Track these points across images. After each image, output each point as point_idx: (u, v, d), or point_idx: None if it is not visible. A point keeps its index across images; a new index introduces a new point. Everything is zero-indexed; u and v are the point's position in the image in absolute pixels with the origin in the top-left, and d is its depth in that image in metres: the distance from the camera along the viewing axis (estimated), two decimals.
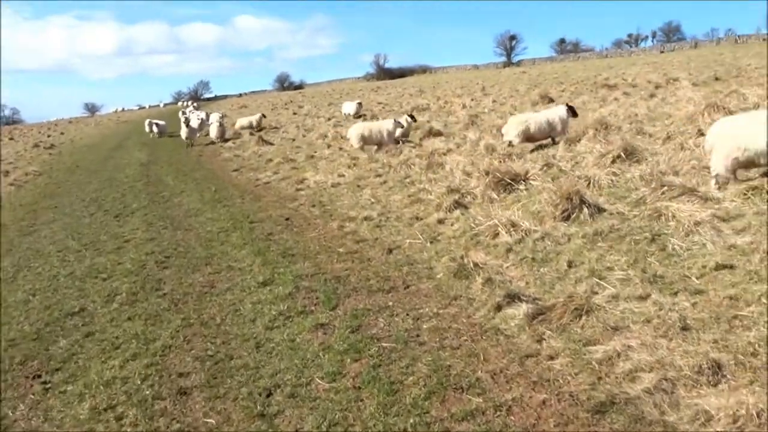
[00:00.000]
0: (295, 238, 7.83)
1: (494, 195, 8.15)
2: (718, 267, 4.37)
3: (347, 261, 6.52)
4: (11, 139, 43.39)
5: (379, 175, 11.38)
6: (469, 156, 11.44)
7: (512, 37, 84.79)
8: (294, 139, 21.21)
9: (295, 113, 35.87)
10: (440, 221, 7.36)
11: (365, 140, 14.27)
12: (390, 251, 6.61)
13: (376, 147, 14.16)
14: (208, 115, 29.96)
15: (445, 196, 8.24)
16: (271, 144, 20.43)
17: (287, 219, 9.03)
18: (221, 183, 13.91)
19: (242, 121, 26.83)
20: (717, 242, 4.78)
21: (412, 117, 16.50)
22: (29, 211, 13.02)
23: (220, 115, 29.29)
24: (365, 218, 8.10)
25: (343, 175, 11.95)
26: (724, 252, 4.61)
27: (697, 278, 4.32)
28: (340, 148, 16.94)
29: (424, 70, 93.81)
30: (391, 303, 5.15)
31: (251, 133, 24.85)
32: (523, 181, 8.47)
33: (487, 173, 8.63)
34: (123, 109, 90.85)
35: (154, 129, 29.46)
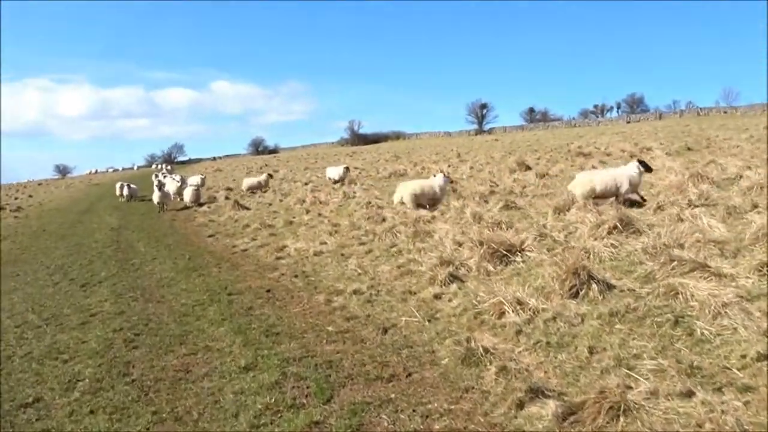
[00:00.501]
0: (278, 314, 7.24)
1: (490, 267, 7.75)
2: (760, 357, 3.96)
3: (338, 342, 5.94)
4: None
5: (363, 243, 10.93)
6: (455, 224, 11.11)
7: (483, 106, 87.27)
8: (271, 204, 20.78)
9: (271, 176, 35.61)
10: (437, 296, 6.87)
11: (417, 199, 13.43)
12: (385, 331, 6.06)
13: (427, 205, 13.46)
14: (183, 179, 29.32)
15: (438, 268, 7.80)
16: (248, 209, 19.95)
17: (268, 291, 8.44)
18: (196, 250, 13.28)
19: (249, 182, 26.14)
20: (749, 327, 4.40)
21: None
22: None
23: (201, 178, 28.83)
24: (354, 291, 7.55)
25: (326, 243, 11.47)
26: (760, 339, 4.22)
27: (739, 370, 3.90)
28: (319, 214, 16.56)
29: (397, 136, 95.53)
30: (393, 395, 4.58)
31: (227, 197, 24.37)
32: (519, 252, 8.11)
33: (481, 243, 8.26)
34: (96, 171, 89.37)
35: (125, 191, 28.77)
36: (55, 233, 18.96)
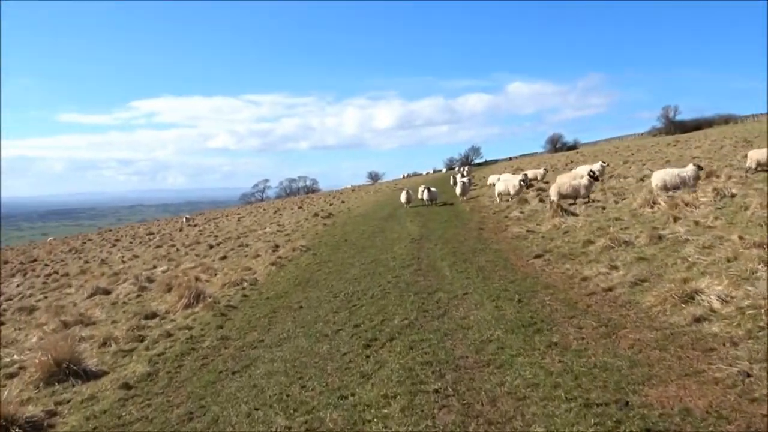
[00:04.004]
0: None
1: None
2: None
3: None
4: (300, 207, 45.78)
5: None
6: None
7: None
8: (604, 208, 15.52)
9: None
10: None
11: None
12: None
13: None
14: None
15: None
16: (575, 214, 15.04)
17: None
18: (522, 281, 8.94)
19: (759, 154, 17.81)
20: None
21: None
22: (270, 311, 9.72)
23: (602, 165, 24.81)
24: None
25: None
26: None
27: None
28: (697, 223, 10.88)
29: (726, 120, 79.74)
30: None
31: (541, 200, 19.80)
32: None
33: None
34: (406, 176, 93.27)
35: (425, 195, 26.47)
36: (355, 244, 16.85)
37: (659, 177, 15.94)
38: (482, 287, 8.84)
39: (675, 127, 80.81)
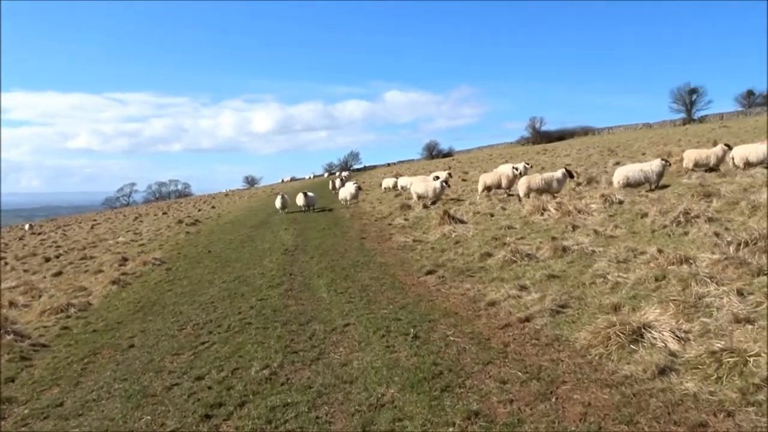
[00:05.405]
0: None
1: None
2: None
3: None
4: (164, 213, 41.65)
5: None
6: None
7: (692, 91, 73.29)
8: (492, 215, 14.43)
9: (464, 179, 29.36)
10: None
11: None
12: None
13: None
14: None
15: None
16: (463, 222, 13.82)
17: None
18: (416, 305, 7.27)
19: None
20: None
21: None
22: (90, 352, 7.27)
23: (525, 165, 21.72)
24: None
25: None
26: None
27: None
28: (596, 232, 10.04)
29: (585, 131, 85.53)
30: None
31: (425, 206, 18.49)
32: None
33: None
34: (285, 180, 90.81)
35: (302, 201, 24.48)
36: (219, 256, 14.46)
37: (622, 173, 14.98)
38: (367, 315, 7.05)
39: (541, 136, 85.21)
